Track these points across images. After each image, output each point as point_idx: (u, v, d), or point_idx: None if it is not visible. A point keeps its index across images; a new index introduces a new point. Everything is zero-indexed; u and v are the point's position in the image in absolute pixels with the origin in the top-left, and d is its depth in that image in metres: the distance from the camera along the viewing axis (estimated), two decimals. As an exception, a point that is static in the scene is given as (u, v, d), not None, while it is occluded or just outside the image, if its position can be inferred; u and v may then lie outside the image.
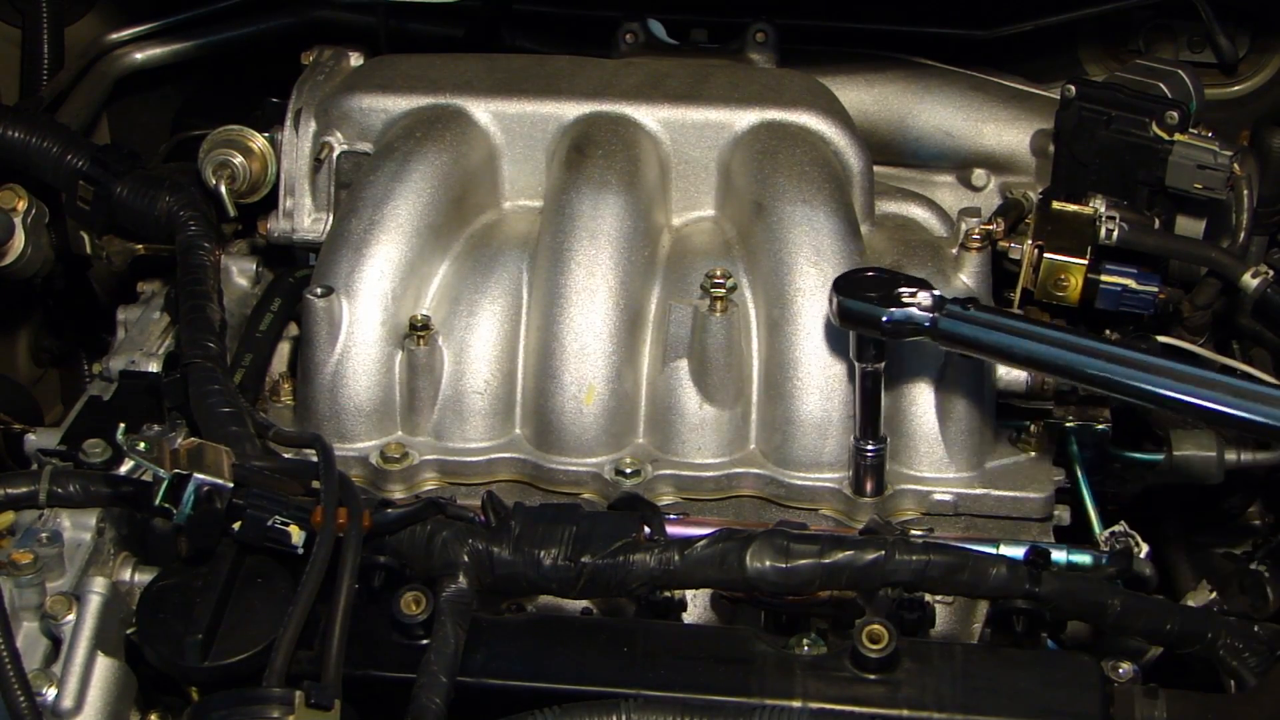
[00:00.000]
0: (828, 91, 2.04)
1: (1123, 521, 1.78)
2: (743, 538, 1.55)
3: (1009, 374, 1.89)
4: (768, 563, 1.53)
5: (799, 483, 1.80)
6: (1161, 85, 2.04)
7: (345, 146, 2.02)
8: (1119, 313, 1.97)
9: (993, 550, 1.63)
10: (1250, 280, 1.94)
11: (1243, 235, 2.07)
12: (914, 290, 1.66)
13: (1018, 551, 1.63)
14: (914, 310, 1.65)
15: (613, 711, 1.41)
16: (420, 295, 1.87)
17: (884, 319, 1.65)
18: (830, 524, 1.78)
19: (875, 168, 2.00)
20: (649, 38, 2.30)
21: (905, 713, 1.45)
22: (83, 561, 1.58)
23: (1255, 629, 1.56)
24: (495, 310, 1.86)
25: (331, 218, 2.01)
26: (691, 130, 1.96)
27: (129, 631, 1.55)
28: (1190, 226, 2.08)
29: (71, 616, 1.52)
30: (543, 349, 1.82)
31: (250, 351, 1.95)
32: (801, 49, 2.27)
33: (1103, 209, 1.96)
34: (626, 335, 1.82)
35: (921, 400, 1.80)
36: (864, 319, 1.66)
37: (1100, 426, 1.91)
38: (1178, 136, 1.96)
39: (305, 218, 2.04)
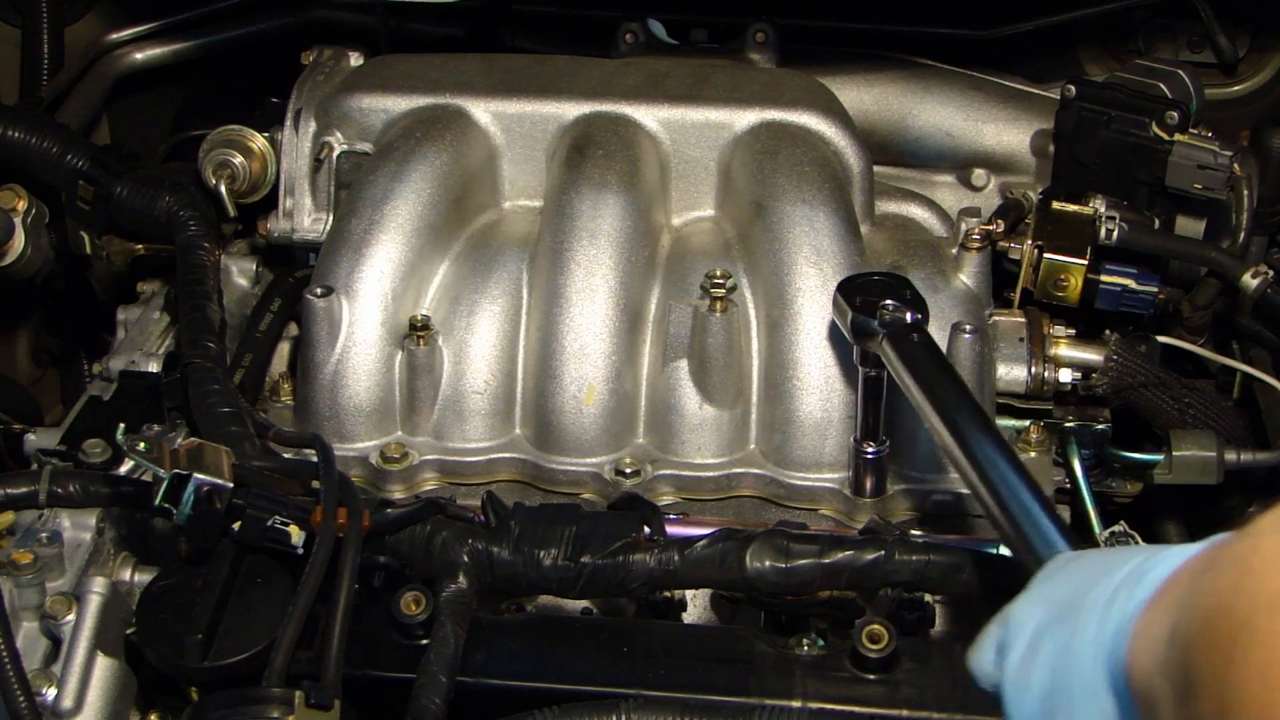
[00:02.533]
0: (828, 91, 2.04)
1: (1122, 521, 1.77)
2: (743, 538, 1.55)
3: (1009, 374, 1.89)
4: (768, 563, 1.53)
5: (799, 483, 1.79)
6: (1161, 85, 2.04)
7: (345, 146, 2.02)
8: (1119, 313, 1.98)
9: (993, 550, 1.63)
10: (1250, 280, 1.94)
11: (1243, 235, 2.07)
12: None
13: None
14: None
15: (613, 711, 1.41)
16: (420, 295, 1.87)
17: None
18: (830, 524, 1.78)
19: (875, 168, 2.00)
20: (649, 38, 2.29)
21: (905, 713, 1.45)
22: (83, 561, 1.59)
23: None
24: (495, 310, 1.86)
25: (331, 218, 2.01)
26: (691, 130, 1.96)
27: (129, 631, 1.55)
28: (1190, 226, 2.08)
29: (71, 616, 1.52)
30: (543, 349, 1.82)
31: (250, 351, 1.94)
32: (801, 49, 2.27)
33: (1103, 209, 1.96)
34: (626, 335, 1.82)
35: (921, 401, 1.80)
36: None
37: (1100, 426, 1.90)
38: (1178, 136, 1.96)
39: (305, 218, 2.04)
